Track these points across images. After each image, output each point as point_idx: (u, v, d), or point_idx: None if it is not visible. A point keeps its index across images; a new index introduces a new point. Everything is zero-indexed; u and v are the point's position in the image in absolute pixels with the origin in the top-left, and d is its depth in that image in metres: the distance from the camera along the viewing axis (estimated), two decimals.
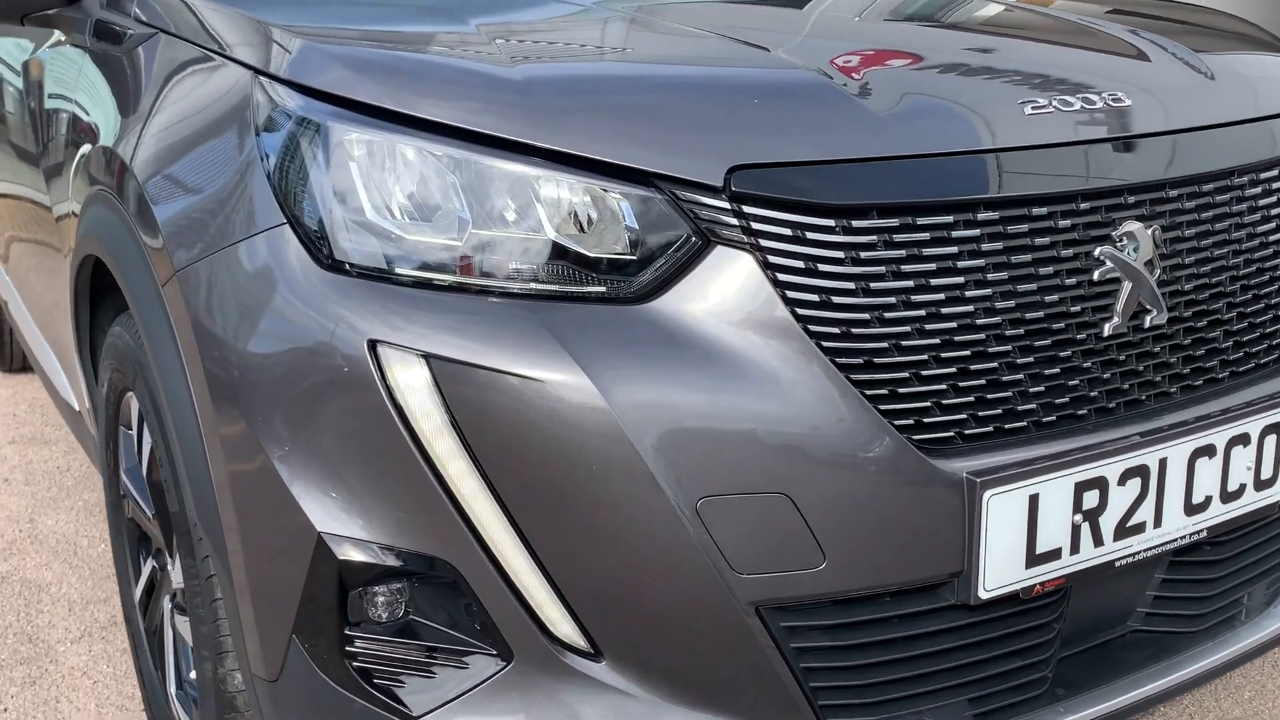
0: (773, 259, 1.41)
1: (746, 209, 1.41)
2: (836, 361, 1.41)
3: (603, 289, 1.43)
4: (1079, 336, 1.55)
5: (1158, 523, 1.61)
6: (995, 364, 1.50)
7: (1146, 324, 1.60)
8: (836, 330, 1.42)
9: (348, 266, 1.45)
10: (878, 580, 1.45)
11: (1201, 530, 1.66)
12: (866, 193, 1.44)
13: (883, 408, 1.43)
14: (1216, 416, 1.64)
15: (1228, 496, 1.67)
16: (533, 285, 1.43)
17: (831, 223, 1.42)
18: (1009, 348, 1.51)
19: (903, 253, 1.45)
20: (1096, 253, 1.56)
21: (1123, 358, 1.59)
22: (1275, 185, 1.76)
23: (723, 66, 1.68)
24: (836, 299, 1.42)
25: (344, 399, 1.41)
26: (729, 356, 1.39)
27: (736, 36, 1.81)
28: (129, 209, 1.78)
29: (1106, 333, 1.57)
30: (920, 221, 1.45)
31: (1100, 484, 1.54)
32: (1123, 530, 1.58)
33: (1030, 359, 1.52)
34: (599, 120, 1.47)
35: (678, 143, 1.45)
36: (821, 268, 1.42)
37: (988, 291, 1.49)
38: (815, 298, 1.42)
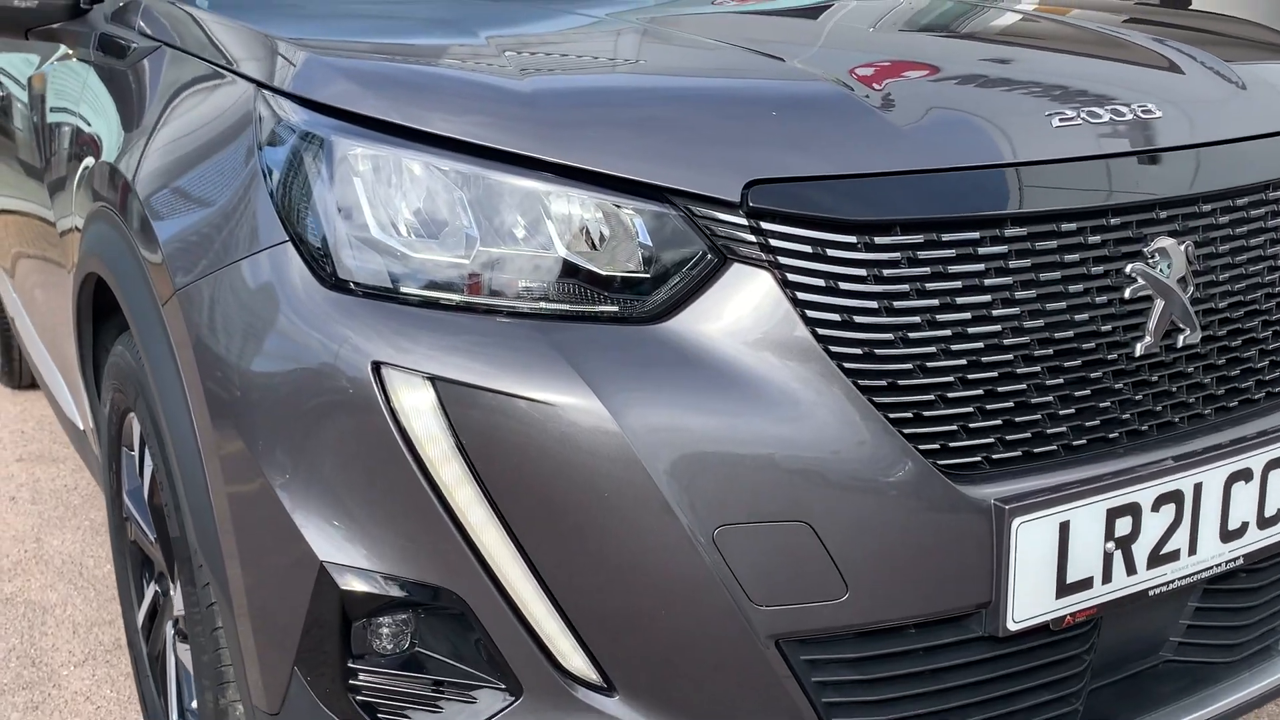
0: (792, 277, 1.36)
1: (765, 225, 1.36)
2: (859, 384, 1.36)
3: (615, 308, 1.38)
4: (1110, 356, 1.50)
5: (1193, 550, 1.55)
6: (1023, 386, 1.44)
7: (1179, 343, 1.54)
8: (858, 351, 1.37)
9: (352, 285, 1.40)
10: (902, 612, 1.39)
11: (1238, 557, 1.60)
12: (889, 208, 1.39)
13: (907, 431, 1.37)
14: (1253, 439, 1.58)
15: (1265, 522, 1.61)
16: (543, 305, 1.38)
17: (853, 239, 1.37)
18: (1038, 369, 1.45)
19: (927, 270, 1.39)
20: (1128, 269, 1.50)
21: (1155, 378, 1.54)
22: None
23: (739, 78, 1.63)
24: (858, 318, 1.37)
25: (347, 423, 1.36)
26: (747, 379, 1.34)
27: (752, 47, 1.76)
28: (130, 226, 1.74)
29: (1138, 352, 1.51)
30: (945, 238, 1.40)
31: (1133, 510, 1.48)
32: (1156, 558, 1.52)
33: (1060, 380, 1.46)
34: (611, 134, 1.42)
35: (693, 157, 1.40)
36: (843, 286, 1.37)
37: (1015, 310, 1.43)
38: (836, 317, 1.36)
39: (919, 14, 2.32)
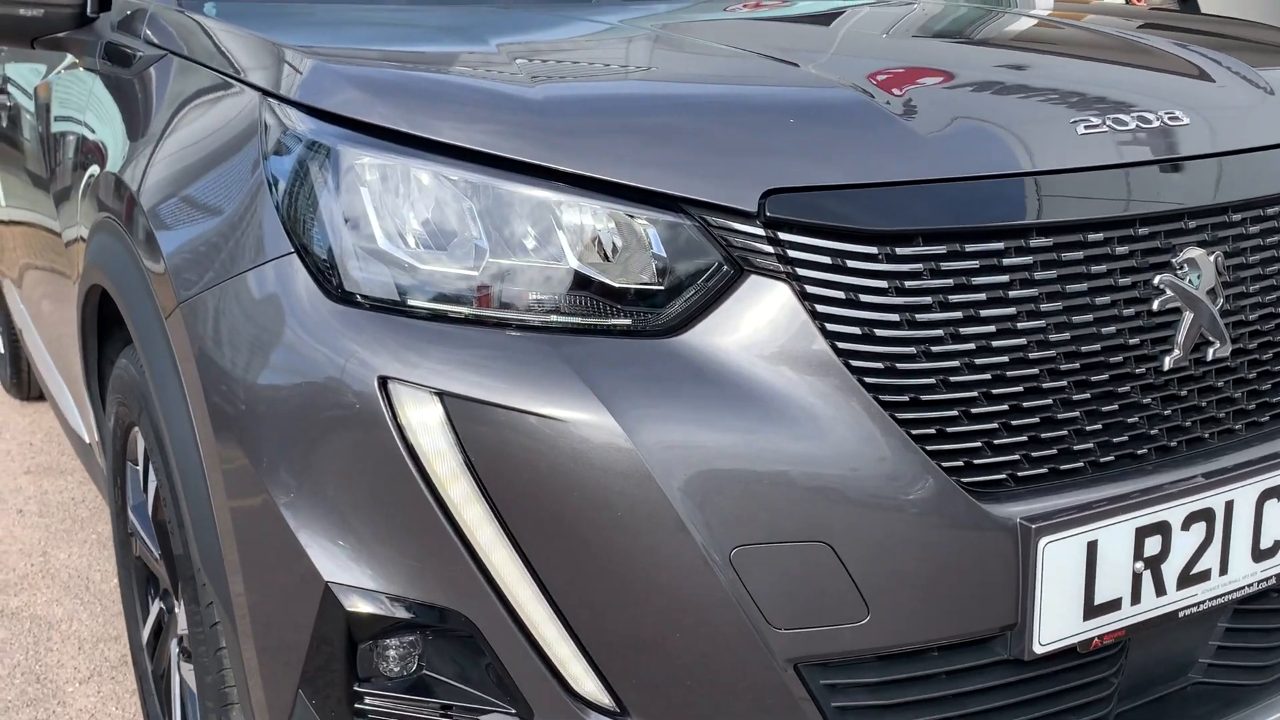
0: (810, 289, 1.32)
1: (782, 236, 1.32)
2: (880, 399, 1.32)
3: (628, 321, 1.34)
4: (1138, 370, 1.45)
5: (1224, 570, 1.50)
6: (1049, 401, 1.40)
7: (1209, 356, 1.49)
8: (879, 365, 1.32)
9: (358, 298, 1.37)
10: (925, 635, 1.35)
11: (1270, 577, 1.55)
12: (911, 218, 1.35)
13: (930, 448, 1.33)
14: None
15: None
16: (554, 318, 1.34)
17: (874, 250, 1.33)
18: (1064, 383, 1.41)
19: (950, 282, 1.35)
20: (1156, 281, 1.46)
21: (1184, 393, 1.49)
22: None
23: (754, 85, 1.59)
24: (879, 332, 1.33)
25: (353, 439, 1.32)
26: (764, 394, 1.30)
27: (767, 53, 1.72)
28: (134, 237, 1.71)
29: (1167, 366, 1.47)
30: (969, 249, 1.36)
31: (1163, 529, 1.43)
32: (1187, 578, 1.47)
33: (1086, 395, 1.42)
34: (624, 142, 1.39)
35: (708, 166, 1.36)
36: (863, 298, 1.33)
37: (1041, 323, 1.39)
38: (856, 330, 1.32)
39: (934, 20, 2.28)
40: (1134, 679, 1.57)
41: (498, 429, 1.29)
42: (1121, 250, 1.44)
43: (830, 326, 1.32)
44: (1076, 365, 1.41)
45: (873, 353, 1.32)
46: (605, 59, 1.77)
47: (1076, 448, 1.42)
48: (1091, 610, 1.41)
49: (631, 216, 1.35)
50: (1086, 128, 1.49)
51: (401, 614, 1.33)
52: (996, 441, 1.37)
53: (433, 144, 1.39)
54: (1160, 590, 1.45)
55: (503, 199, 1.36)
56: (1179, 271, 1.47)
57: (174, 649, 1.94)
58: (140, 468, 1.95)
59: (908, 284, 1.34)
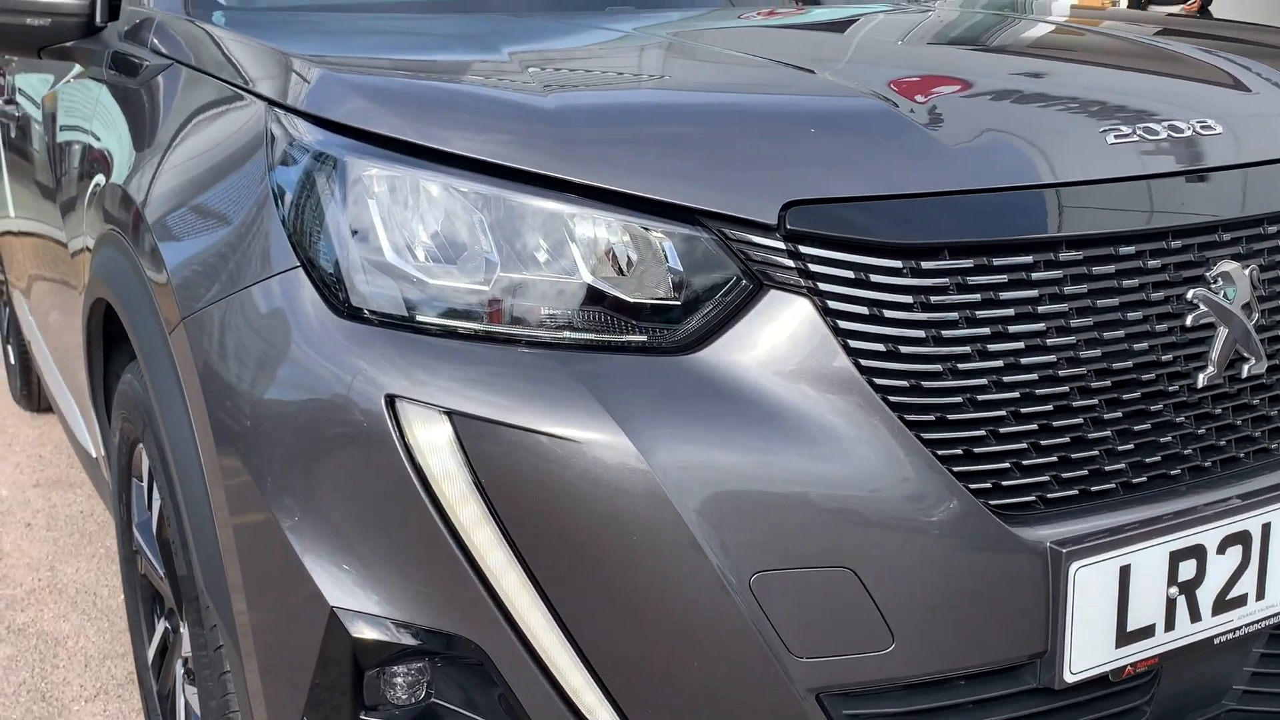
0: (832, 304, 1.27)
1: (803, 249, 1.28)
2: (905, 418, 1.27)
3: (644, 338, 1.29)
4: (1170, 388, 1.40)
5: (1260, 595, 1.45)
6: (1080, 420, 1.35)
7: (1244, 373, 1.44)
8: (904, 383, 1.28)
9: (365, 313, 1.33)
10: (952, 663, 1.30)
11: None
12: (936, 231, 1.30)
13: (956, 469, 1.28)
14: None
15: None
16: (566, 334, 1.30)
17: (898, 264, 1.29)
18: (1094, 401, 1.36)
19: (977, 297, 1.30)
20: (1189, 295, 1.41)
21: (1218, 411, 1.44)
22: None
23: (773, 93, 1.55)
24: (904, 348, 1.28)
25: (359, 460, 1.28)
26: (784, 413, 1.25)
27: (784, 60, 1.68)
28: (138, 250, 1.67)
29: (1200, 384, 1.42)
30: (996, 262, 1.31)
31: (1197, 553, 1.38)
32: (1222, 604, 1.42)
33: (1118, 414, 1.37)
34: (639, 153, 1.35)
35: (726, 177, 1.32)
36: (887, 314, 1.28)
37: (1071, 339, 1.34)
38: (880, 347, 1.28)
39: (952, 26, 2.24)
40: (1166, 707, 1.51)
41: (509, 449, 1.25)
42: (1153, 264, 1.39)
43: (853, 343, 1.27)
44: (1108, 383, 1.37)
45: (897, 370, 1.28)
46: (619, 67, 1.73)
47: (1108, 468, 1.37)
48: (1124, 637, 1.36)
49: (647, 229, 1.31)
50: (1116, 137, 1.44)
51: (409, 640, 1.29)
52: (1025, 462, 1.32)
53: (442, 155, 1.35)
54: (1195, 616, 1.40)
55: (514, 211, 1.32)
56: (1213, 285, 1.42)
57: (179, 670, 1.90)
58: (145, 484, 1.91)
59: (933, 299, 1.29)
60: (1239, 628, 1.44)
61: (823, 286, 1.28)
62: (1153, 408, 1.39)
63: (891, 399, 1.27)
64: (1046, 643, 1.32)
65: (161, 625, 1.98)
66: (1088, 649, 1.34)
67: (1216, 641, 1.44)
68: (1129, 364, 1.38)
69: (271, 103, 1.51)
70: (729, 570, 1.22)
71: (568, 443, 1.24)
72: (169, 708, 1.96)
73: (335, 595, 1.29)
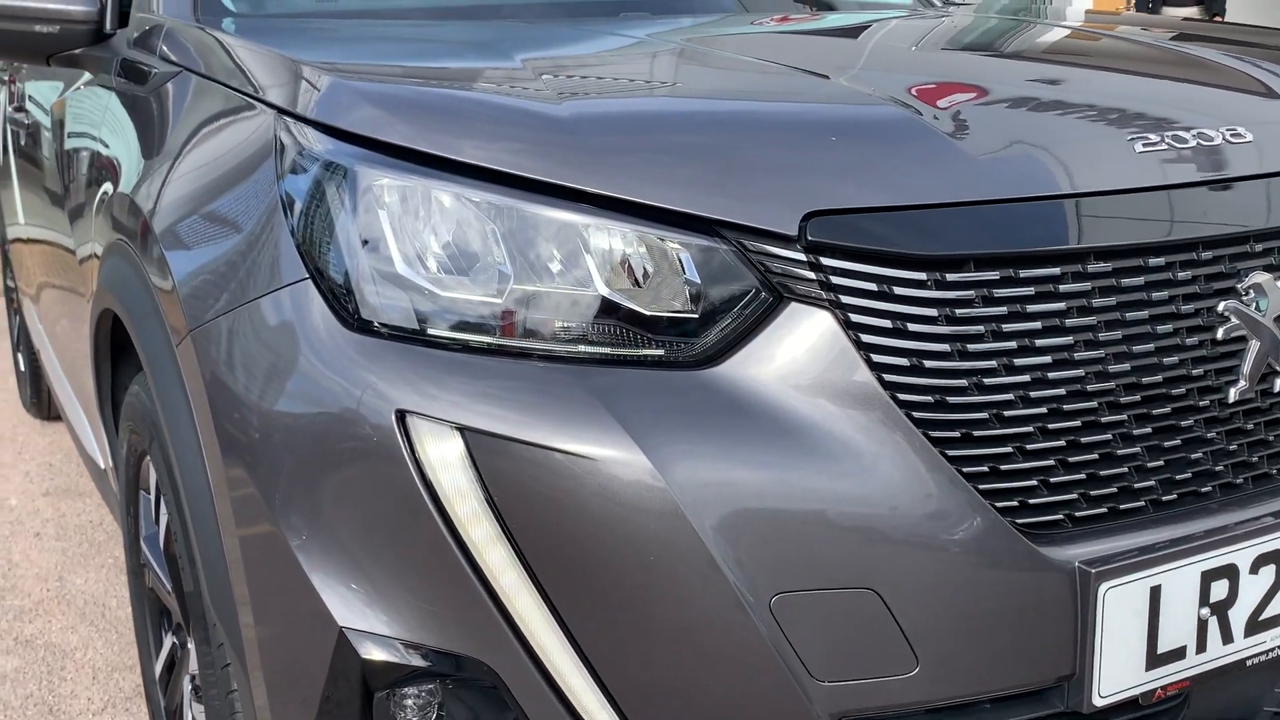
0: (855, 317, 1.24)
1: (825, 261, 1.24)
2: (929, 435, 1.24)
3: (660, 352, 1.26)
4: (1201, 403, 1.37)
5: None
6: (1108, 436, 1.31)
7: (1276, 388, 1.41)
8: (929, 399, 1.24)
9: (375, 326, 1.30)
10: (977, 686, 1.27)
11: None
12: (961, 242, 1.27)
13: (982, 487, 1.25)
14: None
15: None
16: (581, 347, 1.27)
17: (922, 276, 1.25)
18: (1123, 417, 1.32)
19: (1004, 310, 1.27)
20: (1220, 308, 1.37)
21: (1250, 426, 1.40)
22: None
23: (792, 101, 1.52)
24: (928, 363, 1.25)
25: (369, 477, 1.25)
26: (805, 430, 1.22)
27: (802, 67, 1.64)
28: (146, 261, 1.65)
29: (1232, 398, 1.38)
30: (1023, 274, 1.28)
31: (1230, 573, 1.35)
32: (1255, 625, 1.38)
33: (1147, 429, 1.34)
34: (655, 162, 1.31)
35: (745, 187, 1.28)
36: (911, 327, 1.25)
37: (1100, 353, 1.31)
38: (904, 361, 1.24)
39: (969, 31, 2.21)
40: None
41: (522, 466, 1.22)
42: (1183, 275, 1.36)
43: (876, 357, 1.24)
44: (1137, 398, 1.33)
45: (921, 385, 1.24)
46: (633, 74, 1.70)
47: (1137, 486, 1.33)
48: (1155, 659, 1.32)
49: (663, 240, 1.27)
50: (1145, 145, 1.40)
51: (419, 662, 1.26)
52: (1053, 480, 1.29)
53: (454, 164, 1.32)
54: (1227, 637, 1.36)
55: (528, 222, 1.29)
56: (1244, 297, 1.38)
57: (187, 685, 1.87)
58: (152, 497, 1.89)
59: (958, 312, 1.26)
60: (1272, 649, 1.41)
61: (845, 299, 1.24)
62: (1183, 423, 1.36)
63: (915, 415, 1.24)
64: (1074, 665, 1.29)
65: (169, 640, 1.95)
66: (1117, 671, 1.30)
67: (1249, 663, 1.40)
68: (1158, 378, 1.34)
69: (281, 111, 1.48)
70: (748, 591, 1.19)
71: (583, 459, 1.20)
72: None
73: (344, 615, 1.26)
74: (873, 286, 1.25)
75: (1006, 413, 1.27)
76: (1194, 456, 1.37)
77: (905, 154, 1.33)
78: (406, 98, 1.43)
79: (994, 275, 1.27)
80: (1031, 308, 1.28)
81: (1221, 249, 1.38)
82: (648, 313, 1.27)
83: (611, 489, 1.20)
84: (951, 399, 1.25)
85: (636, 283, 1.28)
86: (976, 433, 1.26)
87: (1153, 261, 1.34)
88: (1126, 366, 1.32)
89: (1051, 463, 1.29)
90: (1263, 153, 1.47)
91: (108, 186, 1.98)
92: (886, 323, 1.24)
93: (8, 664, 2.61)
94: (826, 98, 1.51)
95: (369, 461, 1.25)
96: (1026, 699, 1.31)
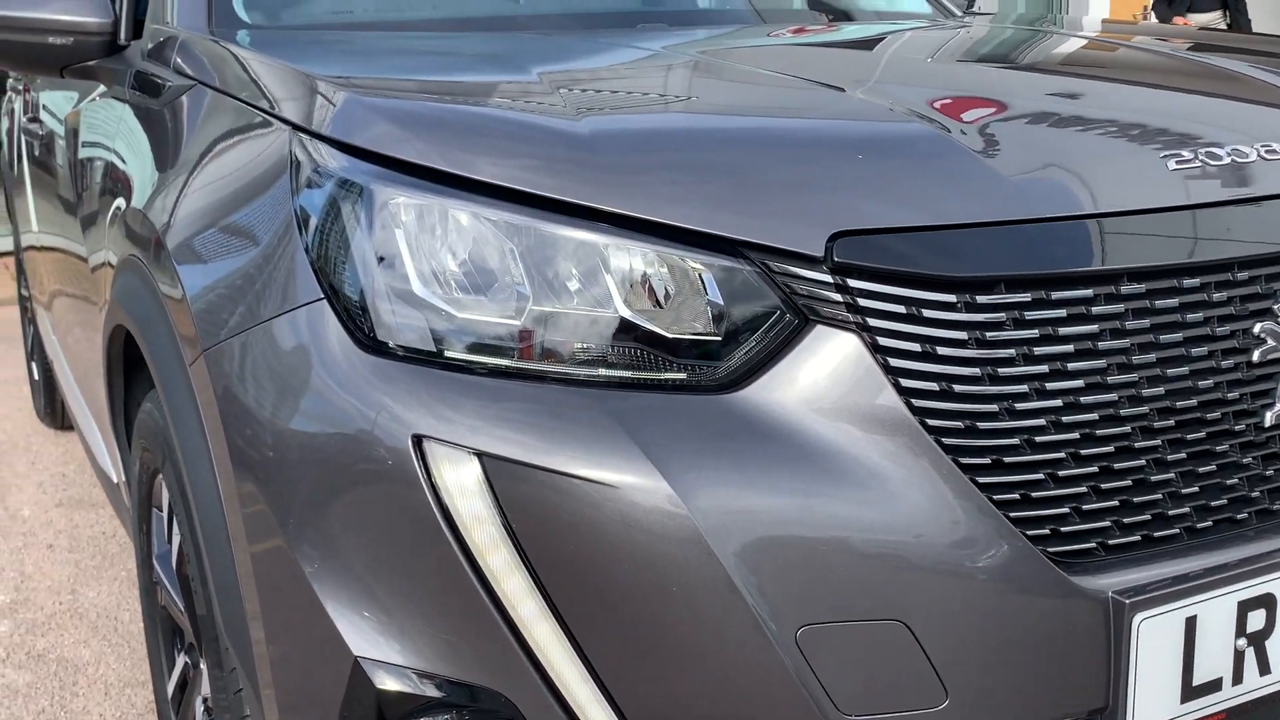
0: (882, 340, 1.21)
1: (851, 282, 1.21)
2: (959, 461, 1.21)
3: (682, 375, 1.23)
4: (1237, 427, 1.33)
5: None
6: (1142, 461, 1.28)
7: None
8: (959, 424, 1.21)
9: (391, 347, 1.27)
10: None
11: None
12: (991, 263, 1.24)
13: (1013, 515, 1.22)
14: None
15: None
16: (602, 371, 1.24)
17: (952, 298, 1.22)
18: (1157, 442, 1.29)
19: (1035, 333, 1.24)
20: (1256, 329, 1.34)
21: None
22: None
23: (816, 117, 1.49)
24: (958, 387, 1.21)
25: (385, 503, 1.23)
26: (832, 456, 1.19)
27: (825, 81, 1.61)
28: (158, 277, 1.63)
29: (1268, 422, 1.35)
30: (1055, 296, 1.25)
31: (1267, 602, 1.31)
32: None
33: (1182, 455, 1.30)
34: (677, 180, 1.29)
35: (769, 206, 1.25)
36: (940, 351, 1.22)
37: (1133, 377, 1.27)
38: (933, 386, 1.21)
39: (989, 43, 2.18)
40: None
41: (541, 492, 1.19)
42: (1219, 296, 1.32)
43: (904, 382, 1.21)
44: (1171, 422, 1.30)
45: (951, 410, 1.21)
46: (652, 89, 1.67)
47: (1171, 513, 1.30)
48: (1190, 692, 1.29)
49: (686, 261, 1.25)
50: (1178, 163, 1.37)
51: (435, 692, 1.23)
52: (1085, 507, 1.25)
53: (472, 182, 1.29)
54: (1265, 669, 1.33)
55: (547, 242, 1.26)
56: None
57: (199, 706, 1.85)
58: (165, 515, 1.86)
59: (988, 335, 1.23)
60: None
61: (872, 322, 1.21)
62: (1218, 448, 1.32)
63: (945, 441, 1.20)
64: (1107, 698, 1.25)
65: (182, 659, 1.92)
66: (1151, 705, 1.27)
67: None
68: (1193, 402, 1.31)
69: (295, 127, 1.46)
70: (773, 622, 1.16)
71: (603, 486, 1.18)
72: None
73: (359, 644, 1.24)
74: (901, 309, 1.22)
75: (1038, 438, 1.23)
76: (1229, 482, 1.33)
77: (934, 172, 1.30)
78: (423, 114, 1.41)
79: (1025, 297, 1.24)
80: (1063, 330, 1.25)
81: (1257, 269, 1.35)
82: (669, 335, 1.24)
83: (632, 516, 1.17)
84: (981, 424, 1.22)
85: (658, 303, 1.25)
86: (1007, 459, 1.23)
87: (1187, 282, 1.31)
88: (1160, 390, 1.29)
89: (1084, 489, 1.25)
90: None
91: (121, 200, 1.96)
92: (915, 346, 1.21)
93: (20, 679, 2.59)
94: (851, 114, 1.48)
95: (385, 486, 1.22)
96: None
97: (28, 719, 2.44)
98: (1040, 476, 1.24)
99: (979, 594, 1.20)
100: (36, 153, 3.16)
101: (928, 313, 1.22)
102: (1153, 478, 1.28)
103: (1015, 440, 1.23)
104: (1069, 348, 1.25)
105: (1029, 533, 1.22)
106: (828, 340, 1.21)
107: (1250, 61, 1.87)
